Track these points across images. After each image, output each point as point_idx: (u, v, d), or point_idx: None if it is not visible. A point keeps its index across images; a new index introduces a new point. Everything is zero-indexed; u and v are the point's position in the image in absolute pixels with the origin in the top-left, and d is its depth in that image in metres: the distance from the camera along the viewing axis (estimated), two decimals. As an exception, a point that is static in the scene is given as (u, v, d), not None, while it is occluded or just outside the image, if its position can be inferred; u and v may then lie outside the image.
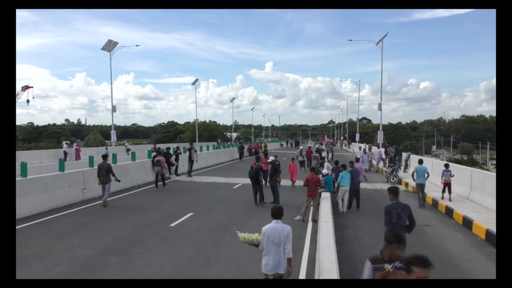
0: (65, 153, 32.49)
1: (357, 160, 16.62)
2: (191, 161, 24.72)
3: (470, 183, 15.79)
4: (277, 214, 5.95)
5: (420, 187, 15.59)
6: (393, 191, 7.72)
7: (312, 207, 12.68)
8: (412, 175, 16.25)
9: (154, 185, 19.08)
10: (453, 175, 15.64)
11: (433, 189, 17.27)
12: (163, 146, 27.44)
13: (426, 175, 15.57)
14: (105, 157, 15.69)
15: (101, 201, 14.87)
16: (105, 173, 14.92)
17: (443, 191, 15.68)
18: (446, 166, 16.25)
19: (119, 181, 15.38)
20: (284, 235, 5.74)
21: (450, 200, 15.24)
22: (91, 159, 18.22)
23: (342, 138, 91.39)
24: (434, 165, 20.40)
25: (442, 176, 15.83)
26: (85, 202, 15.19)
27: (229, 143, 58.52)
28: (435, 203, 15.47)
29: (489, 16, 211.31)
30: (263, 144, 50.43)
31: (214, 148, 39.61)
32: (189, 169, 24.56)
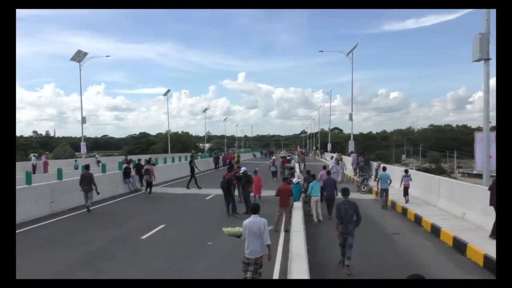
0: (33, 166, 31.66)
1: (329, 173, 16.78)
2: (193, 173, 23.97)
3: (438, 191, 16.20)
4: (255, 209, 7.16)
5: (384, 191, 17.20)
6: (342, 192, 9.35)
7: (284, 217, 12.75)
8: (377, 182, 17.80)
9: (125, 197, 19.61)
10: (411, 180, 17.56)
11: (402, 197, 17.66)
12: (134, 158, 27.06)
13: (388, 181, 17.18)
14: (87, 167, 16.58)
15: (75, 212, 15.04)
16: (87, 182, 15.71)
17: (404, 195, 17.24)
18: (406, 172, 18.30)
19: (98, 193, 16.22)
20: (261, 226, 6.80)
21: (407, 201, 16.91)
22: (59, 171, 17.82)
23: (314, 148, 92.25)
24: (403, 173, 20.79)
25: (401, 181, 17.64)
26: (53, 215, 14.81)
27: (201, 153, 58.33)
28: (404, 212, 15.77)
29: (453, 27, 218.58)
30: (235, 155, 50.49)
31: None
32: (196, 182, 23.52)
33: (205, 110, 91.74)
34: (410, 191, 17.35)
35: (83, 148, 42.09)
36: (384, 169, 18.77)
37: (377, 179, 18.27)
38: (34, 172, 28.72)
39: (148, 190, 20.81)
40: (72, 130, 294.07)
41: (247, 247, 6.83)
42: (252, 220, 6.90)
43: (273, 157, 36.67)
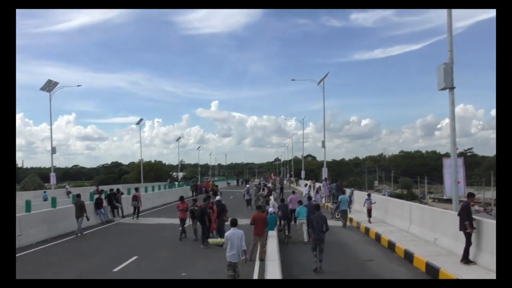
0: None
1: (310, 198, 17.78)
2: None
3: (410, 217, 16.46)
4: (234, 223, 9.35)
5: (344, 212, 19.39)
6: (315, 207, 12.65)
7: (259, 246, 12.68)
8: (338, 204, 20.11)
9: (97, 228, 19.46)
10: (375, 202, 19.44)
11: (374, 223, 17.87)
12: (106, 188, 26.61)
13: (347, 203, 19.51)
14: (79, 195, 18.70)
15: (44, 245, 14.92)
16: (78, 209, 17.34)
17: (368, 215, 19.00)
18: (369, 195, 20.26)
19: (88, 219, 17.87)
20: (240, 236, 8.90)
21: (369, 222, 18.57)
22: (27, 203, 17.29)
23: (288, 175, 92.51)
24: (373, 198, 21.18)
25: (364, 203, 19.41)
26: (20, 249, 14.24)
27: (175, 182, 58.16)
28: (378, 238, 15.90)
29: (419, 57, 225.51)
30: (210, 183, 50.33)
31: (166, 188, 39.89)
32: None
33: (178, 139, 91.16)
34: (375, 213, 19.17)
35: (53, 179, 41.12)
36: (344, 192, 21.29)
37: (338, 202, 20.16)
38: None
39: (136, 215, 22.69)
40: (42, 160, 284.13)
41: (228, 252, 8.81)
42: (232, 232, 8.97)
43: (248, 185, 36.57)
